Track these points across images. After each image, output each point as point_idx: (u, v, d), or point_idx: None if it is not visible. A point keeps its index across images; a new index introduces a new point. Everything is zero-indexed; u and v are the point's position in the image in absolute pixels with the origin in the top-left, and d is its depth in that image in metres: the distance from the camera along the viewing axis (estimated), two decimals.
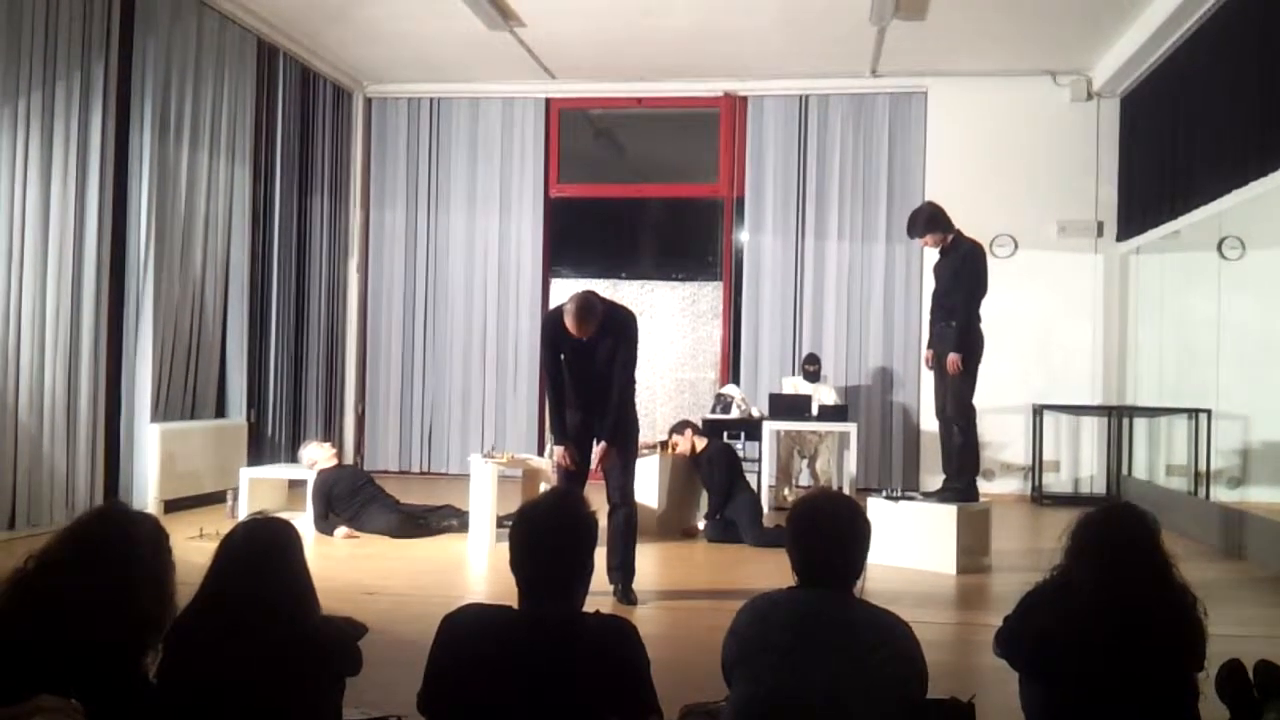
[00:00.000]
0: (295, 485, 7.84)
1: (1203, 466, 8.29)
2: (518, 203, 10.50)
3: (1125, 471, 9.37)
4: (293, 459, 8.39)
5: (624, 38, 8.94)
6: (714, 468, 7.22)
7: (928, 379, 7.68)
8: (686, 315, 10.59)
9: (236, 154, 8.48)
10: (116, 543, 2.38)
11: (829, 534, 2.43)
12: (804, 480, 9.09)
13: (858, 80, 9.86)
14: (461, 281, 10.57)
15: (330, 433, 9.94)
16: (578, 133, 10.85)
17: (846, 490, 7.78)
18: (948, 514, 6.13)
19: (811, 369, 8.99)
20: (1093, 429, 9.59)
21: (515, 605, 2.35)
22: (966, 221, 6.59)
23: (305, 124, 9.67)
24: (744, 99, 10.23)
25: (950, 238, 6.46)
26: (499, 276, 10.51)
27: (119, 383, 7.37)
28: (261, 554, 2.45)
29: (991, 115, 9.70)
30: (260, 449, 8.80)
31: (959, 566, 6.05)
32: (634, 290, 10.49)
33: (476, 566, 6.28)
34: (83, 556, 2.34)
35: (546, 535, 2.35)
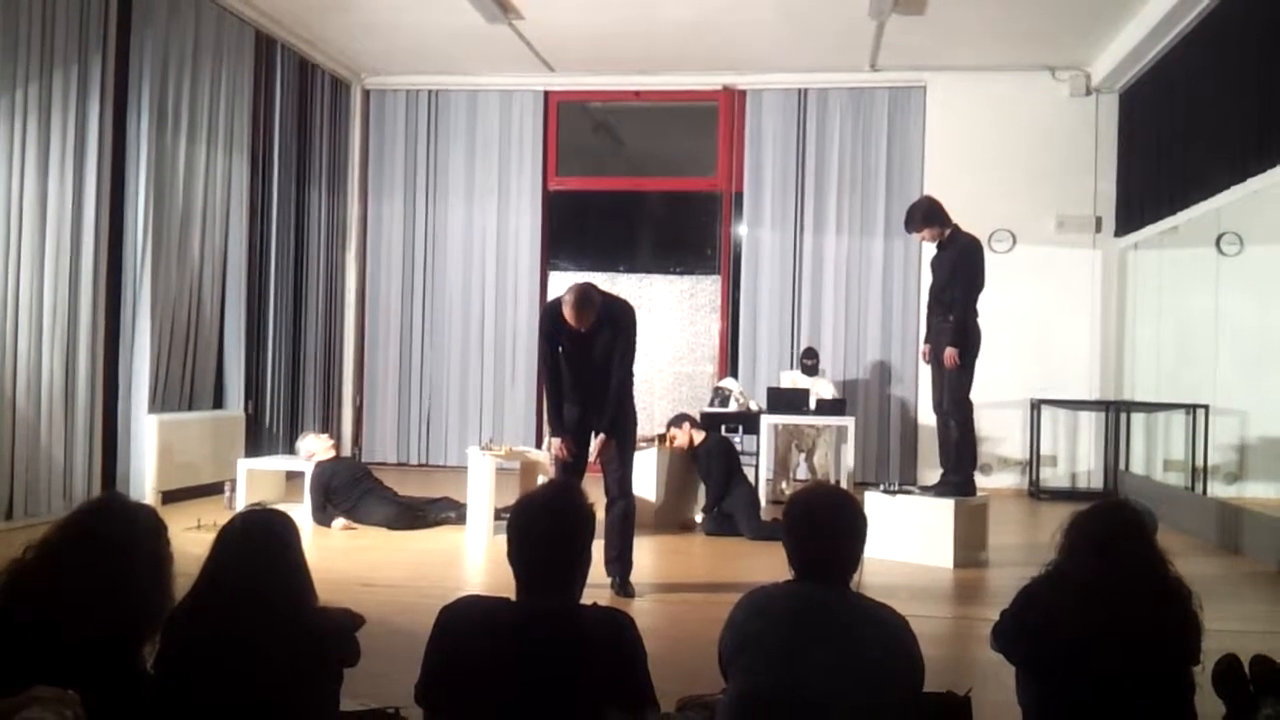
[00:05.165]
0: (293, 477, 7.85)
1: (1200, 462, 8.30)
2: (516, 195, 10.49)
3: (1123, 467, 9.39)
4: (290, 450, 8.39)
5: (623, 31, 8.93)
6: (712, 461, 7.23)
7: (925, 373, 7.68)
8: (685, 309, 10.59)
9: (234, 146, 8.46)
10: (115, 534, 2.38)
11: (826, 528, 2.43)
12: (801, 474, 9.11)
13: (856, 74, 9.85)
14: (460, 274, 10.56)
15: (328, 424, 9.94)
16: (576, 126, 10.83)
17: (844, 484, 7.80)
18: (945, 508, 6.14)
19: (809, 363, 9.00)
20: (1090, 424, 9.60)
21: (513, 597, 2.35)
22: (964, 216, 6.59)
23: (303, 116, 9.65)
24: (743, 93, 10.21)
25: (948, 232, 6.46)
26: (497, 269, 10.51)
27: (116, 374, 7.36)
28: (259, 545, 2.45)
29: (990, 110, 9.69)
30: (258, 440, 8.79)
31: (956, 560, 6.06)
32: (632, 283, 10.49)
33: (474, 559, 6.29)
34: (81, 547, 2.34)
35: (544, 528, 2.35)
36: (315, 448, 7.29)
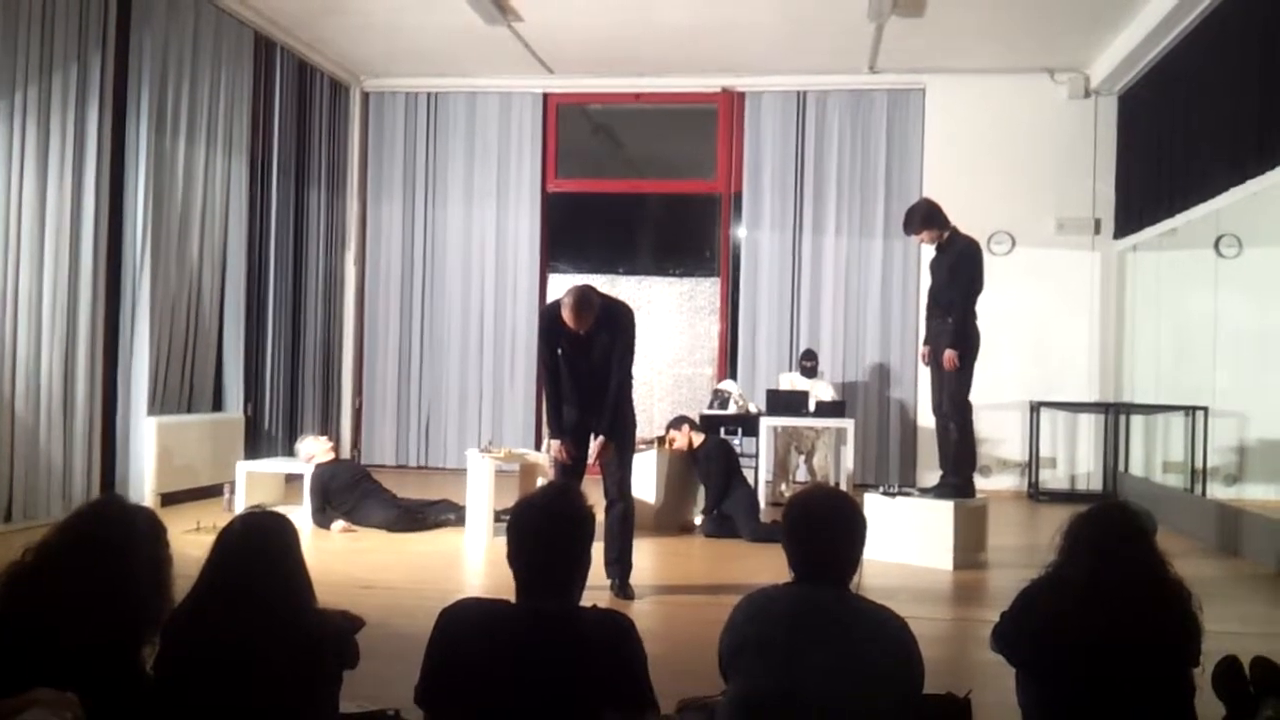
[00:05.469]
0: (292, 479, 7.85)
1: (1199, 464, 8.30)
2: (515, 198, 10.48)
3: (1122, 468, 9.39)
4: (289, 453, 8.39)
5: (622, 33, 8.93)
6: (711, 463, 7.23)
7: (924, 375, 7.69)
8: (684, 311, 10.60)
9: (233, 147, 8.46)
10: (114, 536, 2.38)
11: (825, 530, 2.43)
12: (801, 476, 9.10)
13: (856, 76, 9.85)
14: (459, 276, 10.56)
15: (327, 427, 9.93)
16: (575, 128, 10.84)
17: (843, 486, 7.80)
18: (944, 510, 6.14)
19: (809, 365, 9.00)
20: (1089, 426, 9.60)
21: (512, 600, 2.35)
22: (963, 218, 6.59)
23: (302, 118, 9.65)
24: (742, 95, 10.22)
25: (946, 234, 6.46)
26: (496, 271, 10.51)
27: (115, 376, 7.36)
28: (258, 548, 2.45)
29: (989, 112, 9.70)
30: (257, 443, 8.79)
31: (955, 562, 6.06)
32: (631, 286, 10.49)
33: (473, 561, 6.29)
34: (80, 550, 2.34)
35: (544, 530, 2.35)
36: (314, 450, 7.28)
